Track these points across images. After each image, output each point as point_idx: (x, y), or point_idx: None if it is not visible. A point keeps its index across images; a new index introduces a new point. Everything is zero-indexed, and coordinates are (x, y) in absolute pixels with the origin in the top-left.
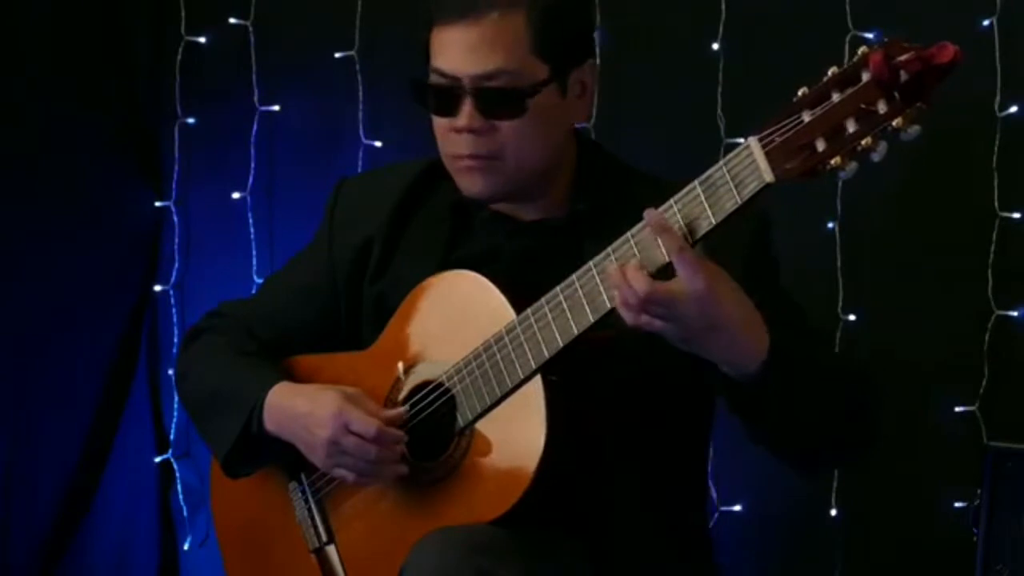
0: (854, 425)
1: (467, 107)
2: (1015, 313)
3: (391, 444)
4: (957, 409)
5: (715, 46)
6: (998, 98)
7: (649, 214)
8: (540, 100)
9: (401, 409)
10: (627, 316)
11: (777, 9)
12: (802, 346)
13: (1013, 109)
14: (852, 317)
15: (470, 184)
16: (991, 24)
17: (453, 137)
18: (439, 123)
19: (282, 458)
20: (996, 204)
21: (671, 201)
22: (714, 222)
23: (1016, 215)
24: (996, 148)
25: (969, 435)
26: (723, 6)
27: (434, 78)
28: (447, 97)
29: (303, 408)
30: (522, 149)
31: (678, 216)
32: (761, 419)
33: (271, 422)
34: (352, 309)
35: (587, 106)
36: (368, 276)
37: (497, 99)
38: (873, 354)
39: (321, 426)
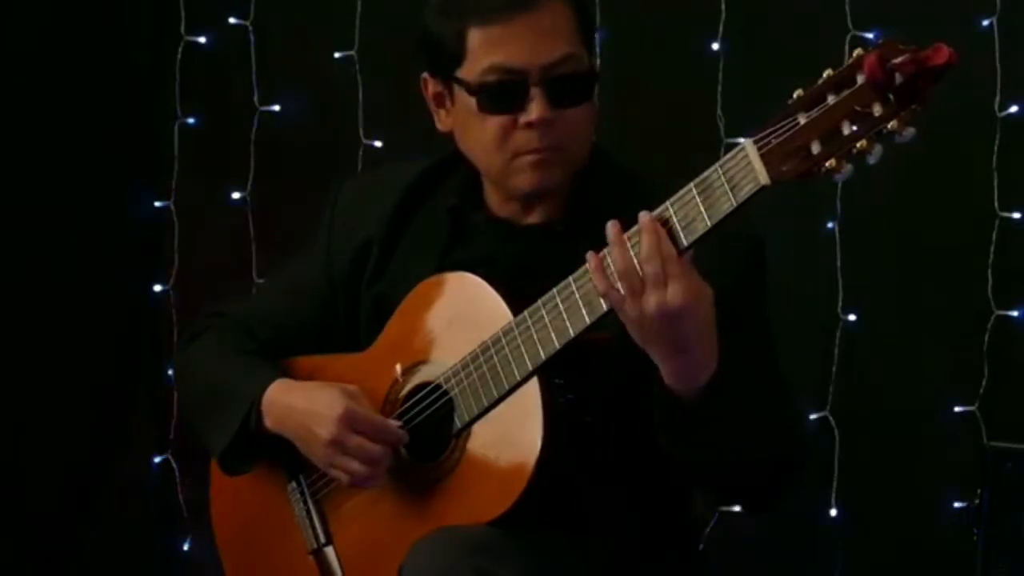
0: (762, 480)
1: (538, 99)
2: (1015, 313)
3: (394, 444)
4: (957, 409)
5: (715, 46)
6: (998, 98)
7: (644, 217)
8: (595, 84)
9: (393, 422)
10: (599, 281)
11: (777, 9)
12: (744, 390)
13: (1013, 109)
14: (852, 317)
15: (537, 178)
16: (991, 24)
17: (519, 134)
18: (498, 122)
19: (279, 456)
20: (996, 204)
21: (667, 203)
22: (709, 224)
23: (1016, 215)
24: (996, 148)
25: (969, 435)
26: (723, 6)
27: (490, 76)
28: (512, 93)
29: (303, 405)
30: (583, 137)
31: (674, 218)
32: (677, 440)
33: (270, 419)
34: (350, 310)
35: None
36: (366, 277)
37: (568, 86)
38: (873, 354)
39: (323, 424)
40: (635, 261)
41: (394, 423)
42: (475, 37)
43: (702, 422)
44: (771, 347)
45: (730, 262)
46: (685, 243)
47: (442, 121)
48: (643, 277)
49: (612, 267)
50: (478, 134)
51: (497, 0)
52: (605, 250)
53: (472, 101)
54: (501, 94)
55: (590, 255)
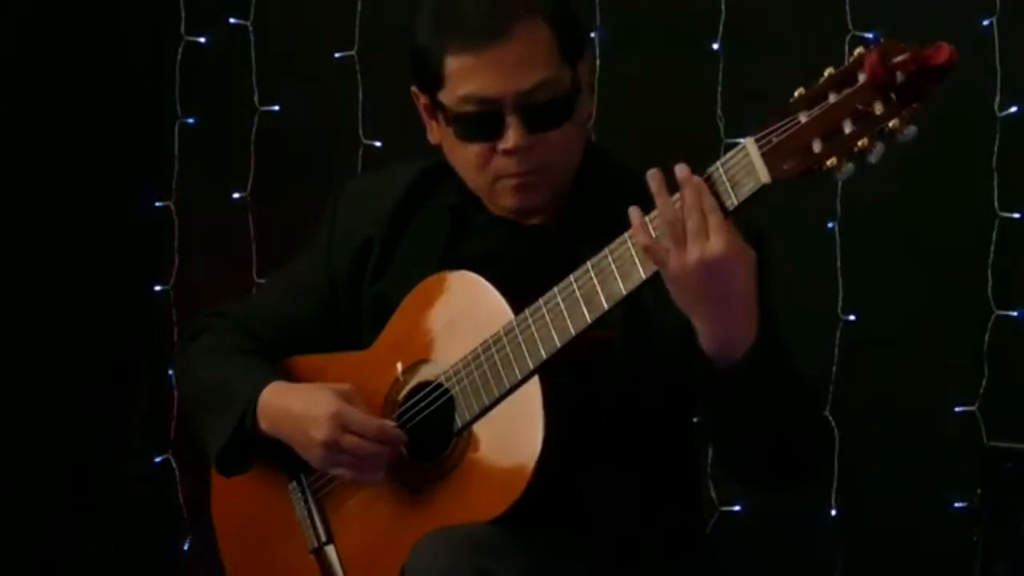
0: (802, 450)
1: (514, 126)
2: (1015, 313)
3: (390, 443)
4: (957, 409)
5: (715, 46)
6: (998, 98)
7: (682, 171)
8: (575, 103)
9: (392, 423)
10: (642, 236)
11: (777, 9)
12: (783, 359)
13: (1013, 109)
14: (852, 317)
15: (519, 201)
16: (991, 24)
17: (498, 159)
18: (475, 149)
19: (278, 457)
20: (996, 204)
21: (715, 165)
22: None
23: (1016, 215)
24: (996, 148)
25: (969, 435)
26: (723, 6)
27: (466, 106)
28: (487, 122)
29: (298, 408)
30: (568, 156)
31: (719, 177)
32: (725, 413)
33: (265, 421)
34: (351, 310)
35: (592, 102)
36: (367, 277)
37: (544, 112)
38: (873, 354)
39: (317, 426)
40: (679, 214)
41: (389, 423)
42: (451, 64)
43: (744, 390)
44: (783, 338)
45: None
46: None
47: (432, 133)
48: (686, 229)
49: (655, 221)
50: (460, 155)
51: (470, 29)
52: (607, 258)
53: (450, 128)
54: (477, 124)
55: (633, 210)
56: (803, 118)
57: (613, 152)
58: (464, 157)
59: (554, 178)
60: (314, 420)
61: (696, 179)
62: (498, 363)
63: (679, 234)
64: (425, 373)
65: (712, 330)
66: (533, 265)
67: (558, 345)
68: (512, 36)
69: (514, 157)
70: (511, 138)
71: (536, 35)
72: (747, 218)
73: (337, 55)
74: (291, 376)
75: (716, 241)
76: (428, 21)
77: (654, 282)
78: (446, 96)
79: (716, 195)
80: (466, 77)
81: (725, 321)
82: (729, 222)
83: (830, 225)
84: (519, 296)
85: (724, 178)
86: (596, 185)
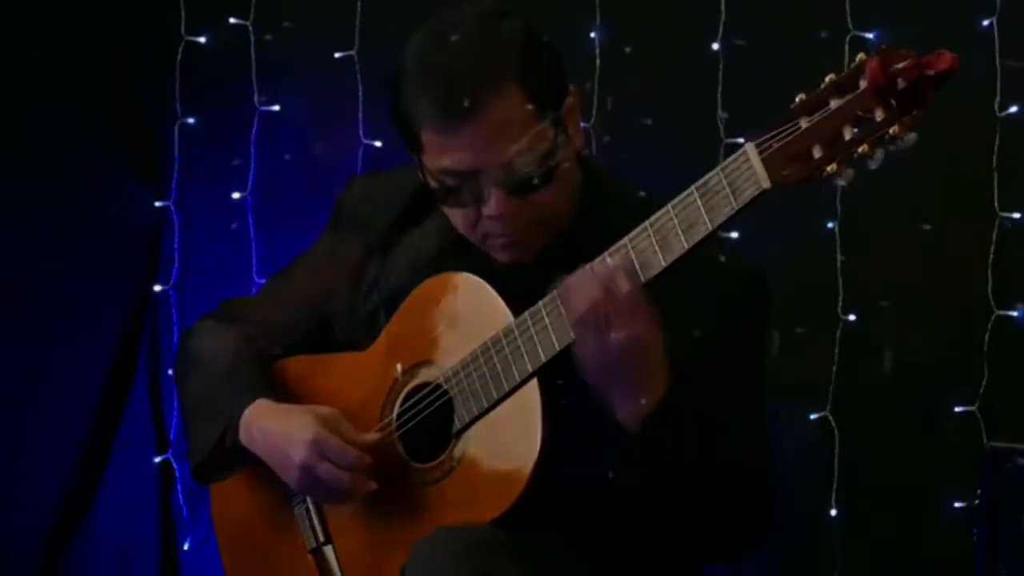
0: (721, 523)
1: (495, 195)
2: (1015, 313)
3: (363, 474)
4: (957, 409)
5: (715, 46)
6: (998, 98)
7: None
8: (558, 157)
9: (377, 436)
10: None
11: (777, 9)
12: (698, 425)
13: (1013, 109)
14: (852, 317)
15: (510, 256)
16: (991, 24)
17: (485, 222)
18: (461, 213)
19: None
20: (996, 204)
21: (668, 206)
22: (710, 227)
23: (1016, 215)
24: (996, 148)
25: (969, 435)
26: (723, 6)
27: (445, 177)
28: (468, 192)
29: (278, 429)
30: (557, 206)
31: (675, 221)
32: (630, 473)
33: (246, 437)
34: (349, 313)
35: (581, 131)
36: (369, 279)
37: (525, 178)
38: (873, 354)
39: (296, 450)
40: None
41: (370, 439)
42: (426, 138)
43: (645, 449)
44: (755, 394)
45: (728, 304)
46: (664, 263)
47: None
48: (607, 312)
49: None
50: (449, 213)
51: (441, 109)
52: (606, 260)
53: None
54: (458, 194)
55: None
56: (803, 124)
57: (612, 168)
58: (452, 216)
59: (544, 231)
60: (293, 442)
61: (623, 253)
62: (497, 365)
63: (600, 315)
64: (425, 374)
65: (625, 401)
66: (534, 272)
67: (557, 348)
68: (484, 114)
69: (498, 222)
70: (493, 206)
71: (509, 105)
72: (748, 261)
73: (337, 55)
74: (291, 377)
75: (634, 321)
76: (405, 87)
77: (653, 288)
78: (427, 161)
79: (715, 202)
80: (441, 152)
81: (639, 393)
82: (639, 301)
83: (830, 225)
84: (519, 300)
85: (725, 184)
86: (595, 219)
